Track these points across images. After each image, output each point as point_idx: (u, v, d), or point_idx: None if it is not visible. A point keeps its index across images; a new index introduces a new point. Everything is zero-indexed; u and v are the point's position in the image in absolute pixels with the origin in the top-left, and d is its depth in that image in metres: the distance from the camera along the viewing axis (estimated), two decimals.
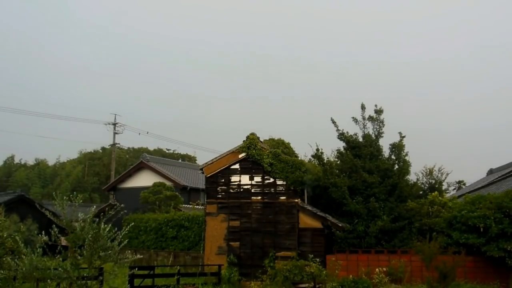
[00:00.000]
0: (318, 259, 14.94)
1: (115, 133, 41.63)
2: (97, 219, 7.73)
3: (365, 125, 18.77)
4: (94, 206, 8.39)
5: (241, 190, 17.10)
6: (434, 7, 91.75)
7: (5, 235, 9.35)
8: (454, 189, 26.98)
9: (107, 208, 8.28)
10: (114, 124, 41.45)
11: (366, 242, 16.60)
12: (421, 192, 18.81)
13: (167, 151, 57.90)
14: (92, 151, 57.92)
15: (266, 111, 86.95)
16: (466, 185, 28.81)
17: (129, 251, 7.97)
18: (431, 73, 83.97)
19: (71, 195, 7.74)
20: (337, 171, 18.13)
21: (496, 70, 77.77)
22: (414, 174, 20.19)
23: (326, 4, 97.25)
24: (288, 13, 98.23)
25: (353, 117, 18.89)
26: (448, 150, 60.84)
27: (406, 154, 18.29)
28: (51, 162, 59.08)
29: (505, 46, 76.56)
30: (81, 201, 7.65)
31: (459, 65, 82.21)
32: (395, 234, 16.74)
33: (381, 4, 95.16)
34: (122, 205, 9.51)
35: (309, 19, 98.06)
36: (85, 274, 7.45)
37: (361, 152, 18.15)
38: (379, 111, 18.72)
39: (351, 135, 18.81)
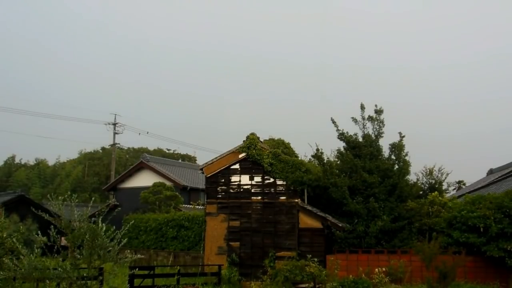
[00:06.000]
0: (317, 259, 14.94)
1: (115, 133, 41.65)
2: (93, 219, 7.71)
3: (365, 125, 18.75)
4: (94, 205, 8.33)
5: (241, 190, 17.09)
6: (435, 13, 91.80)
7: (4, 235, 9.34)
8: (454, 189, 26.99)
9: (100, 209, 8.25)
10: (114, 124, 41.45)
11: (366, 242, 16.58)
12: (421, 192, 18.77)
13: (167, 151, 57.87)
14: (92, 151, 57.90)
15: (266, 111, 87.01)
16: (466, 185, 28.82)
17: (129, 251, 7.95)
18: (432, 78, 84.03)
19: (67, 196, 7.74)
20: (337, 171, 18.10)
21: (497, 76, 77.91)
22: (414, 174, 20.15)
23: (328, 9, 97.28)
24: (287, 18, 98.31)
25: (352, 117, 18.88)
26: (449, 151, 60.97)
27: (406, 154, 18.27)
28: (51, 162, 59.12)
29: (506, 53, 76.70)
30: (76, 200, 7.63)
31: (461, 71, 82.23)
32: (395, 234, 16.72)
33: (383, 10, 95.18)
34: (116, 202, 9.53)
35: (312, 24, 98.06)
36: (84, 274, 7.43)
37: (361, 152, 18.13)
38: (379, 111, 18.70)
39: (351, 135, 18.79)
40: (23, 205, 24.51)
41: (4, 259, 8.03)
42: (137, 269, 10.77)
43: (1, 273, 7.36)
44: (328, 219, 15.94)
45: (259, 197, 16.88)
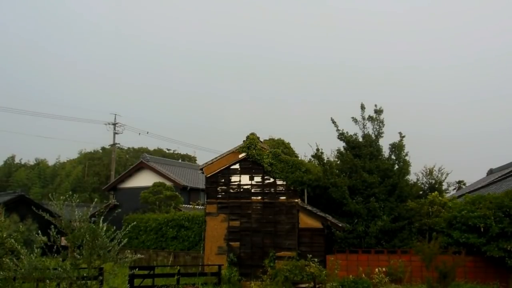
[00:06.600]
0: (317, 259, 14.94)
1: (115, 133, 41.64)
2: (94, 219, 7.71)
3: (365, 125, 18.76)
4: (94, 205, 8.34)
5: (241, 190, 17.08)
6: (435, 13, 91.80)
7: (4, 235, 9.34)
8: (454, 189, 26.98)
9: (100, 209, 8.25)
10: (114, 124, 41.44)
11: (366, 242, 16.58)
12: (421, 192, 18.78)
13: (167, 151, 57.87)
14: (92, 151, 57.92)
15: (267, 111, 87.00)
16: (466, 185, 28.79)
17: (129, 251, 7.95)
18: (432, 78, 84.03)
19: (68, 196, 7.74)
20: (337, 171, 18.10)
21: (497, 76, 77.92)
22: (414, 174, 20.19)
23: (328, 9, 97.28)
24: (288, 17, 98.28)
25: (352, 117, 18.88)
26: (449, 151, 60.99)
27: (406, 154, 18.28)
28: (51, 162, 59.20)
29: (506, 52, 76.72)
30: (77, 200, 7.63)
31: (461, 71, 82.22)
32: (395, 234, 16.72)
33: (384, 10, 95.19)
34: (116, 202, 9.53)
35: (312, 24, 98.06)
36: (84, 274, 7.43)
37: (361, 152, 18.13)
38: (379, 111, 18.70)
39: (351, 135, 18.79)
40: (23, 205, 24.53)
41: (4, 259, 8.02)
42: (137, 269, 10.77)
43: (1, 273, 7.36)
44: (328, 219, 15.93)
45: (259, 197, 16.87)
